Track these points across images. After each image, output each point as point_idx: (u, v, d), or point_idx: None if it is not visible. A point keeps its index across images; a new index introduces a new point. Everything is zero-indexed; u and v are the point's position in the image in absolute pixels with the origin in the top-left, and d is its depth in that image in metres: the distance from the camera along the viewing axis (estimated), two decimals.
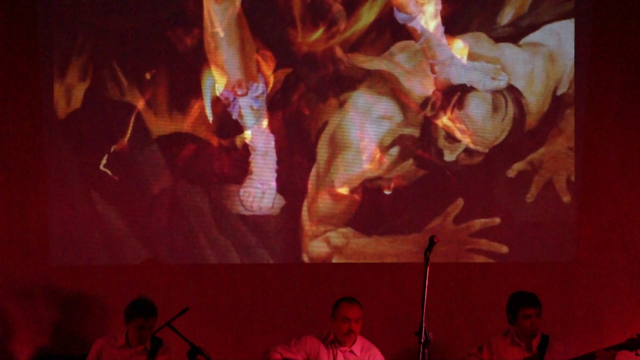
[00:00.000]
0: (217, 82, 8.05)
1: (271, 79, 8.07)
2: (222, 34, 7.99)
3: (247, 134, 8.06)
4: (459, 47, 8.02)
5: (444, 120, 8.03)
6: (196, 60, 8.07)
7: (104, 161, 8.12)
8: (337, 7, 7.98)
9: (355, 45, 8.03)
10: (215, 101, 8.07)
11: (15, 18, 8.10)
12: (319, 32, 8.01)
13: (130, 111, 8.11)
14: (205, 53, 8.05)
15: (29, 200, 8.16)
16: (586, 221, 7.97)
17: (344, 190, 8.08)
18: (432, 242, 5.86)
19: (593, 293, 7.99)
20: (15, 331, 8.18)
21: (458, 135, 8.02)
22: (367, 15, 8.00)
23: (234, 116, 8.07)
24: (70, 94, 8.13)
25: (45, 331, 8.18)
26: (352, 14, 8.01)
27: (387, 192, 8.05)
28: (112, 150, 8.12)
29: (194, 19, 8.04)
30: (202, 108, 8.07)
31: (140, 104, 8.10)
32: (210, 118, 8.08)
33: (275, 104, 8.09)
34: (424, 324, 5.68)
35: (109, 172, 8.13)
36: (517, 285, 7.38)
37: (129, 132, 8.11)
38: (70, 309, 8.17)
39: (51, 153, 8.09)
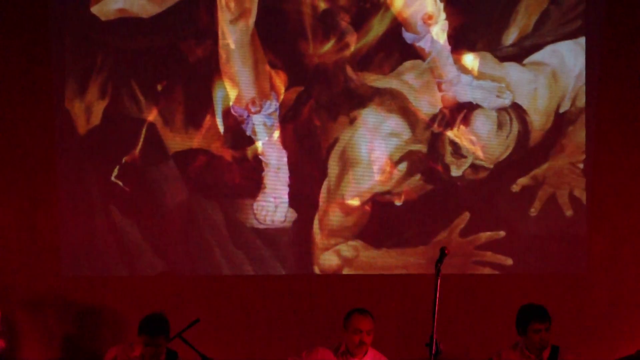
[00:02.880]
0: (228, 93, 7.90)
1: (283, 97, 7.91)
2: (233, 46, 7.84)
3: (260, 148, 7.91)
4: (465, 66, 7.87)
5: (451, 136, 7.89)
6: (207, 72, 7.90)
7: (115, 172, 7.94)
8: (346, 24, 7.82)
9: (365, 64, 7.88)
10: (227, 112, 7.92)
11: (34, 37, 7.96)
12: (330, 44, 7.87)
13: (142, 123, 7.95)
14: (217, 65, 7.89)
15: (41, 210, 7.96)
16: (597, 233, 7.79)
17: (354, 205, 7.92)
18: (442, 253, 5.59)
19: (603, 304, 7.80)
20: (26, 342, 7.96)
21: (464, 151, 7.88)
22: (378, 27, 7.85)
23: (248, 132, 7.93)
24: (90, 111, 7.97)
25: (56, 343, 7.95)
26: (363, 26, 7.86)
27: (396, 205, 7.88)
28: (123, 161, 7.94)
29: (206, 31, 7.88)
30: (214, 120, 7.92)
31: (152, 116, 7.93)
32: (222, 129, 7.92)
33: (288, 121, 7.93)
34: (434, 336, 5.39)
35: (120, 183, 7.94)
36: (526, 297, 7.17)
37: (140, 143, 7.94)
38: (82, 320, 7.96)
39: (64, 165, 7.92)
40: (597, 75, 7.78)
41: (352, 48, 7.85)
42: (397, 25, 7.84)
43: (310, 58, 7.86)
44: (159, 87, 7.91)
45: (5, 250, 7.95)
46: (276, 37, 7.86)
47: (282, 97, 7.89)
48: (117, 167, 7.92)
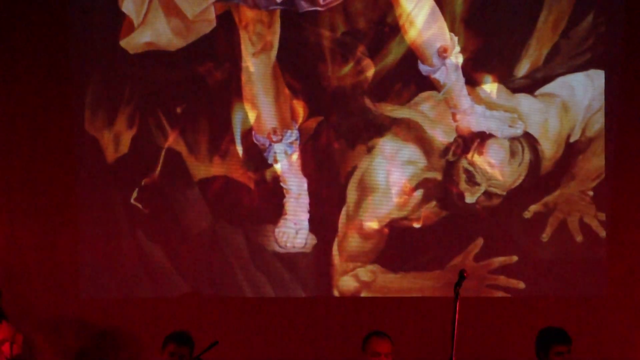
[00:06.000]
0: (248, 116, 7.83)
1: (304, 126, 7.83)
2: (252, 69, 7.78)
3: (279, 171, 7.82)
4: (479, 97, 7.78)
5: (464, 164, 7.79)
6: (227, 95, 7.83)
7: (134, 195, 7.85)
8: (364, 48, 7.73)
9: (382, 95, 7.79)
10: (245, 135, 7.83)
11: (59, 66, 7.89)
12: (348, 67, 7.79)
13: (167, 151, 7.88)
14: (236, 88, 7.81)
15: (60, 232, 7.83)
16: (616, 256, 7.66)
17: (371, 230, 7.81)
18: (462, 276, 5.42)
19: (623, 328, 7.66)
20: None
21: (478, 178, 7.78)
22: (397, 50, 7.76)
23: (270, 161, 7.84)
24: (118, 140, 7.89)
25: None
26: (381, 49, 7.77)
27: (413, 231, 7.77)
28: (142, 184, 7.85)
29: (225, 54, 7.81)
30: (233, 143, 7.84)
31: (177, 145, 7.85)
32: (241, 152, 7.84)
33: (308, 149, 7.85)
34: (454, 358, 5.19)
35: (139, 205, 7.83)
36: (543, 320, 7.03)
37: (159, 166, 7.85)
38: (101, 342, 7.82)
39: (86, 189, 7.82)
40: (616, 101, 7.70)
41: (371, 71, 7.76)
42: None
43: (329, 81, 7.79)
44: (179, 110, 7.83)
45: (25, 272, 7.82)
46: (297, 64, 7.79)
47: (303, 126, 7.81)
48: (137, 189, 7.84)
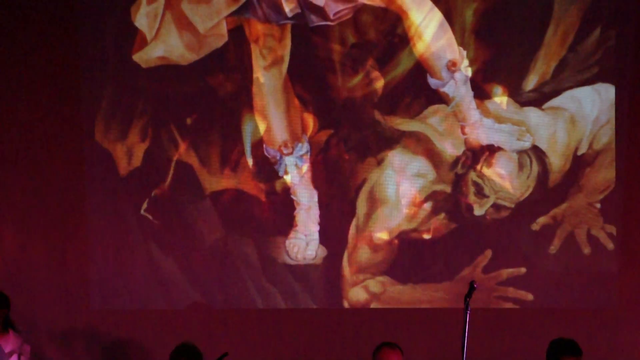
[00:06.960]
0: (258, 127, 7.83)
1: (314, 139, 7.84)
2: (262, 80, 7.79)
3: (289, 182, 7.83)
4: (487, 111, 7.77)
5: (473, 177, 7.79)
6: (237, 106, 7.84)
7: (144, 206, 7.85)
8: (372, 64, 7.75)
9: (392, 108, 7.80)
10: (255, 146, 7.85)
11: (69, 79, 7.92)
12: (358, 78, 7.80)
13: (179, 164, 7.89)
14: (247, 99, 7.83)
15: (71, 243, 7.84)
16: (628, 268, 7.64)
17: (381, 242, 7.80)
18: (472, 287, 5.40)
19: (633, 340, 7.64)
20: None
21: (487, 191, 7.77)
22: (407, 61, 7.77)
23: (280, 173, 7.85)
24: (131, 153, 7.91)
25: None
26: (391, 59, 7.78)
27: (422, 243, 7.77)
28: (152, 194, 7.87)
29: (236, 66, 7.84)
30: (244, 154, 7.86)
31: (189, 157, 7.87)
32: (251, 163, 7.86)
33: (318, 162, 7.86)
34: None
35: (149, 216, 7.84)
36: (552, 331, 7.01)
37: (169, 178, 7.86)
38: (110, 354, 7.82)
39: (96, 201, 7.83)
40: (626, 114, 7.69)
41: (381, 83, 7.77)
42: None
43: (338, 92, 7.80)
44: (189, 121, 7.84)
45: (35, 282, 7.82)
46: (307, 77, 7.82)
47: (314, 139, 7.82)
48: (147, 200, 7.85)
